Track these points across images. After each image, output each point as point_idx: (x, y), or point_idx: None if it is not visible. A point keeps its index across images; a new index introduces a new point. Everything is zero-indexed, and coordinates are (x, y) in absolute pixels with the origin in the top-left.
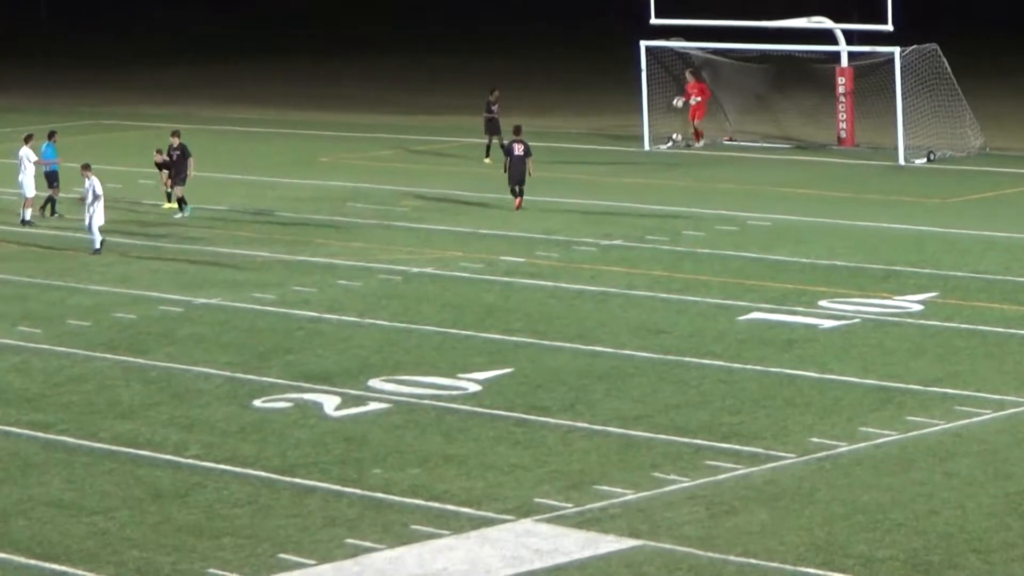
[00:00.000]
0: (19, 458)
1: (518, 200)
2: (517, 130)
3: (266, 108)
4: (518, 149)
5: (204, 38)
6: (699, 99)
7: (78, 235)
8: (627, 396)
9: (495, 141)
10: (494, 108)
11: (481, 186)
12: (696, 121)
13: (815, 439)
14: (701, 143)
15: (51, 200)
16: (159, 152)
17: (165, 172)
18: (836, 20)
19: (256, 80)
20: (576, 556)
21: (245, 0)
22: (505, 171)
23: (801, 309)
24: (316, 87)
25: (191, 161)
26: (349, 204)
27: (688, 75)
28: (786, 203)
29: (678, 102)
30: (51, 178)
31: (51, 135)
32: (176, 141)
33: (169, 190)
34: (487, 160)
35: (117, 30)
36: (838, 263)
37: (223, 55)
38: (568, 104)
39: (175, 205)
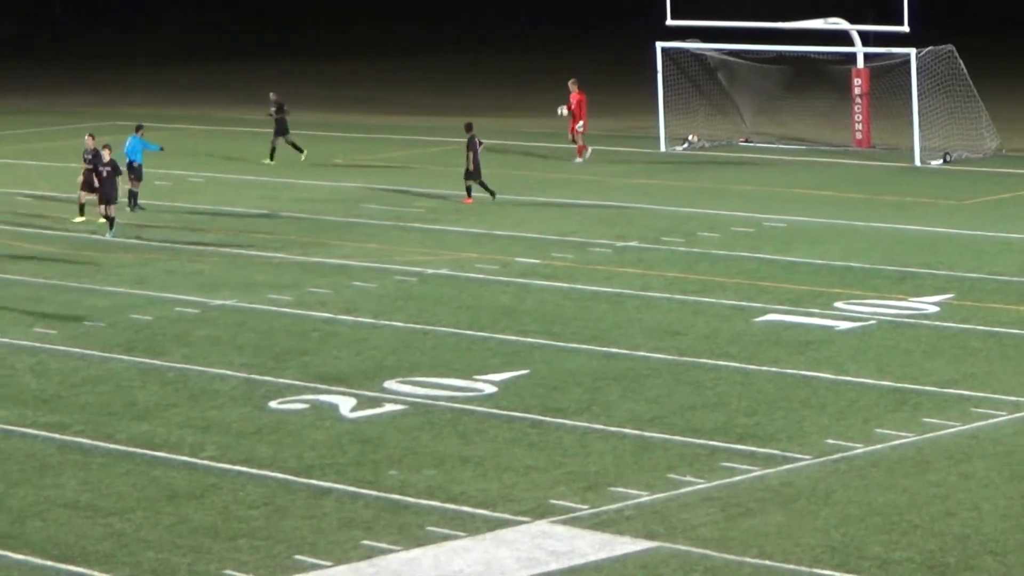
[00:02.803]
0: (35, 459)
1: (492, 194)
2: (470, 127)
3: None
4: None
5: (219, 38)
6: (568, 110)
7: (95, 237)
8: (642, 397)
9: (279, 142)
10: (272, 111)
11: (496, 187)
12: (573, 134)
13: (831, 441)
14: (581, 159)
15: (132, 193)
16: (108, 148)
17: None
18: (852, 21)
19: (270, 81)
20: (592, 558)
21: (260, 0)
22: (470, 167)
23: (817, 310)
24: (330, 88)
25: (120, 180)
26: (363, 205)
27: (571, 84)
28: (801, 204)
29: (561, 110)
30: (134, 171)
31: (138, 128)
32: (108, 155)
33: (82, 203)
34: (270, 162)
35: (132, 30)
36: (854, 264)
37: (238, 56)
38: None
39: (104, 220)
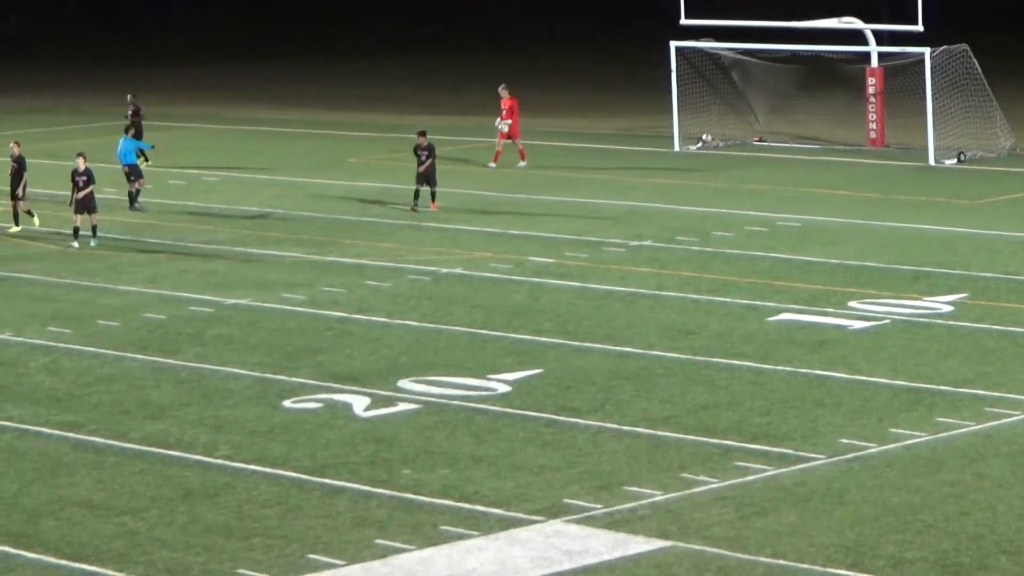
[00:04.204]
0: (49, 458)
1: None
2: (424, 133)
3: (294, 108)
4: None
5: (232, 38)
6: (508, 121)
7: (109, 235)
8: (656, 397)
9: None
10: (129, 114)
11: (510, 186)
12: (513, 140)
13: (845, 440)
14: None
15: (130, 194)
16: (82, 156)
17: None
18: (866, 20)
19: (284, 80)
20: (605, 557)
21: (274, 1)
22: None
23: (831, 310)
24: (344, 87)
25: (92, 188)
26: (378, 205)
27: (501, 90)
28: (816, 204)
29: (500, 124)
30: (134, 173)
31: (127, 130)
32: (83, 164)
33: (26, 211)
34: (146, 163)
35: (143, 30)
36: (868, 264)
37: (251, 55)
38: (598, 104)
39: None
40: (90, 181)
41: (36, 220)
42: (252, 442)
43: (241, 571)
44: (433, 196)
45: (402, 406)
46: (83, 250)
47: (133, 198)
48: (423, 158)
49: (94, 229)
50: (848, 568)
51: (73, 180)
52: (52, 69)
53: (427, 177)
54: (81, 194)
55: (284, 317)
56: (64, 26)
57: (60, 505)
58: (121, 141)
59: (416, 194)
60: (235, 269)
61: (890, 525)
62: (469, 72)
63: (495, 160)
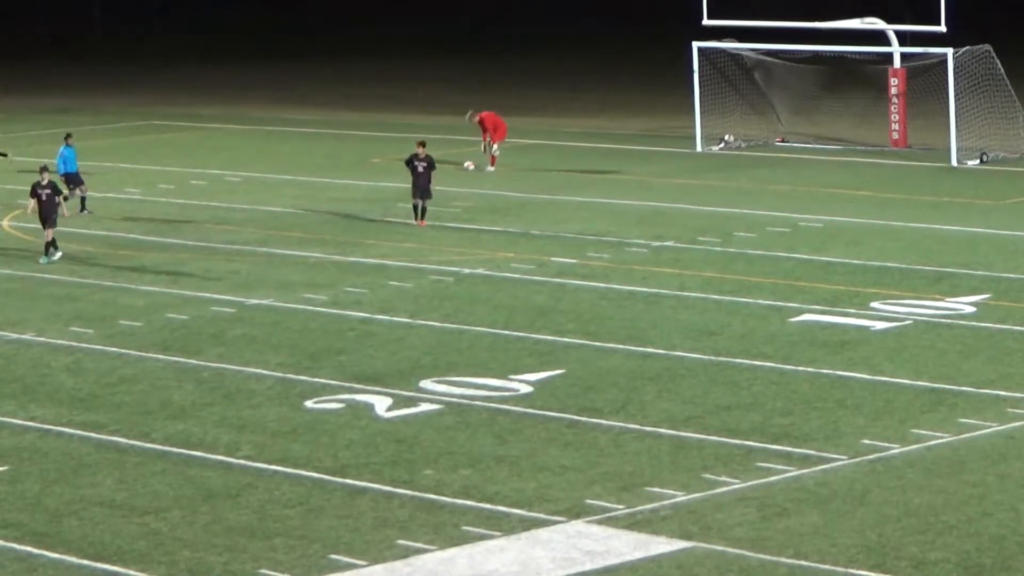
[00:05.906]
0: (71, 458)
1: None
2: (423, 143)
3: (318, 109)
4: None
5: (255, 38)
6: (487, 140)
7: (131, 236)
8: (678, 397)
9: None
10: None
11: (533, 187)
12: (489, 142)
13: (867, 441)
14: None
15: (80, 198)
16: (45, 170)
17: None
18: (889, 21)
19: (308, 81)
20: (627, 557)
21: (297, 1)
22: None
23: (853, 311)
24: (368, 88)
25: (61, 199)
26: (400, 205)
27: (469, 119)
28: (838, 204)
29: (468, 165)
30: (72, 179)
31: (67, 137)
32: (46, 178)
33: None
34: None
35: (170, 30)
36: (890, 264)
37: (275, 55)
38: (620, 105)
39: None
40: (53, 194)
41: None
42: (274, 442)
43: (263, 571)
44: (424, 212)
45: (424, 406)
46: (51, 264)
47: (83, 203)
48: (420, 170)
49: (52, 243)
50: (870, 569)
51: (35, 193)
52: (77, 70)
53: (424, 191)
54: (37, 205)
55: (306, 317)
56: (90, 27)
57: (82, 505)
58: (62, 150)
59: (415, 208)
60: (257, 269)
61: (912, 526)
62: (493, 72)
63: (492, 164)
